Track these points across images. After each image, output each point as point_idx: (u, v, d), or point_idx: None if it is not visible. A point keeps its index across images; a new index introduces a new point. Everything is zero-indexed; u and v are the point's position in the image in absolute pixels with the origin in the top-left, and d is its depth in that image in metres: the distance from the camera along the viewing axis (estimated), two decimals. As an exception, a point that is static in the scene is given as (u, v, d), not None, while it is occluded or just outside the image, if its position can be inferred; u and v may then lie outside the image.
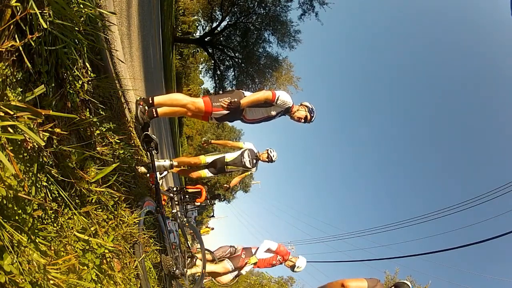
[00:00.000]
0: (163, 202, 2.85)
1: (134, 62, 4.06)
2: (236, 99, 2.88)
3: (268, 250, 4.92)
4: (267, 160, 4.75)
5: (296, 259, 4.93)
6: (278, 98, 2.98)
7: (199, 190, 4.51)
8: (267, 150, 4.76)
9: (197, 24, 27.38)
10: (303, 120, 3.22)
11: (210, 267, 4.59)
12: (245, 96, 2.97)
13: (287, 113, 3.21)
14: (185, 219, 3.29)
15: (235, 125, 31.72)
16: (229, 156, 4.64)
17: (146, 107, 2.71)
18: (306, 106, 3.21)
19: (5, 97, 0.99)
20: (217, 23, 21.65)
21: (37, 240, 1.01)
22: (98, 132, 1.76)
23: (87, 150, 1.47)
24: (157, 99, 2.79)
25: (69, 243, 1.22)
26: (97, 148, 1.71)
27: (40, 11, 1.09)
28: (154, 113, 2.74)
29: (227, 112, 2.92)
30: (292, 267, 4.91)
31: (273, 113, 3.14)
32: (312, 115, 3.22)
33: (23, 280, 0.86)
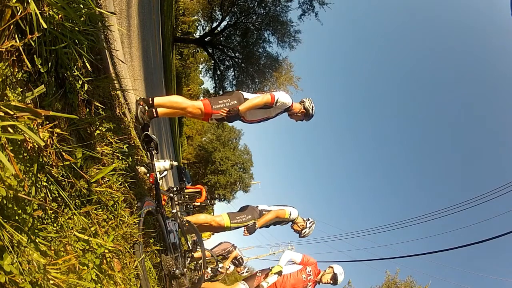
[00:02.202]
0: (163, 202, 2.85)
1: (134, 62, 4.06)
2: (235, 101, 2.89)
3: (292, 263, 4.09)
4: (295, 231, 4.15)
5: (331, 269, 3.91)
6: (277, 100, 2.99)
7: (199, 190, 4.51)
8: (305, 225, 4.10)
9: (197, 24, 27.39)
10: (300, 120, 3.31)
11: None
12: (244, 98, 2.97)
13: (287, 111, 3.23)
14: (185, 219, 3.28)
15: (235, 125, 31.74)
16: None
17: (146, 107, 2.72)
18: (305, 109, 3.23)
19: (5, 97, 0.99)
20: (217, 23, 21.67)
21: (37, 240, 1.01)
22: (98, 132, 1.76)
23: (87, 150, 1.47)
24: (157, 100, 2.79)
25: (69, 243, 1.22)
26: (97, 148, 1.71)
27: (40, 11, 1.09)
28: (154, 113, 2.74)
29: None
30: (334, 278, 3.82)
31: (273, 113, 3.16)
32: (308, 118, 3.28)
33: (23, 280, 0.86)
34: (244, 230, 3.81)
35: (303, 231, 4.09)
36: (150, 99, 2.77)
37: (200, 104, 2.91)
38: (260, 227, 3.89)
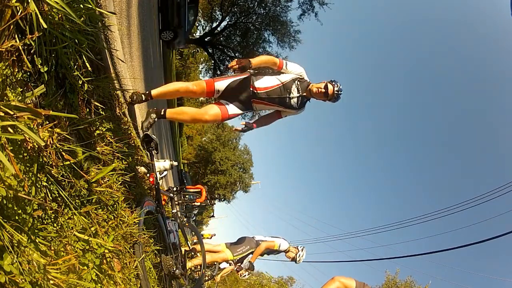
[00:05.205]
0: (163, 202, 2.85)
1: (134, 62, 4.06)
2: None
3: None
4: (290, 259, 4.66)
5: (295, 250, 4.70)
6: (286, 64, 2.72)
7: (199, 190, 4.52)
8: (298, 249, 4.62)
9: (197, 24, 27.37)
10: (323, 91, 2.66)
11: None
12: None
13: (301, 83, 2.72)
14: (185, 219, 3.29)
15: (235, 124, 31.59)
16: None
17: (156, 119, 2.59)
18: (328, 81, 2.72)
19: (5, 97, 0.99)
20: (217, 23, 21.64)
21: (37, 240, 1.01)
22: (98, 132, 1.76)
23: (87, 150, 1.47)
24: (170, 114, 2.63)
25: (69, 243, 1.22)
26: (97, 148, 1.71)
27: (40, 11, 1.09)
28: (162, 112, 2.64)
29: (231, 80, 2.65)
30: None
31: (285, 79, 2.69)
32: (335, 84, 2.68)
33: (23, 280, 0.86)
34: (245, 270, 4.63)
35: (297, 257, 4.59)
36: (162, 111, 2.61)
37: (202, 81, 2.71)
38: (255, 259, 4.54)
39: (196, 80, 2.96)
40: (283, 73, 2.73)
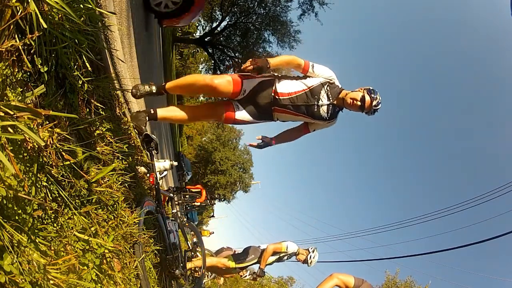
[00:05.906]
0: (163, 202, 2.85)
1: (134, 62, 4.06)
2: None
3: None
4: (301, 261, 4.49)
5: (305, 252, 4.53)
6: (313, 66, 2.29)
7: (199, 190, 4.51)
8: (308, 251, 4.46)
9: (197, 24, 27.37)
10: (359, 103, 2.25)
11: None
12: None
13: (336, 100, 2.29)
14: (185, 219, 3.29)
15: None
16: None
17: (148, 118, 2.34)
18: (365, 89, 2.29)
19: (5, 97, 0.99)
20: (217, 23, 21.64)
21: (37, 240, 1.01)
22: (98, 132, 1.76)
23: (87, 150, 1.47)
24: (161, 113, 2.37)
25: (69, 243, 1.22)
26: (97, 148, 1.71)
27: (40, 10, 1.09)
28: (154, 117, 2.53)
29: (259, 81, 2.28)
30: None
31: (312, 83, 2.29)
32: (374, 96, 2.26)
33: (23, 280, 0.86)
34: (254, 276, 4.57)
35: (309, 259, 4.42)
36: (152, 110, 2.33)
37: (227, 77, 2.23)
38: (266, 266, 4.39)
39: None
40: (309, 76, 2.33)
